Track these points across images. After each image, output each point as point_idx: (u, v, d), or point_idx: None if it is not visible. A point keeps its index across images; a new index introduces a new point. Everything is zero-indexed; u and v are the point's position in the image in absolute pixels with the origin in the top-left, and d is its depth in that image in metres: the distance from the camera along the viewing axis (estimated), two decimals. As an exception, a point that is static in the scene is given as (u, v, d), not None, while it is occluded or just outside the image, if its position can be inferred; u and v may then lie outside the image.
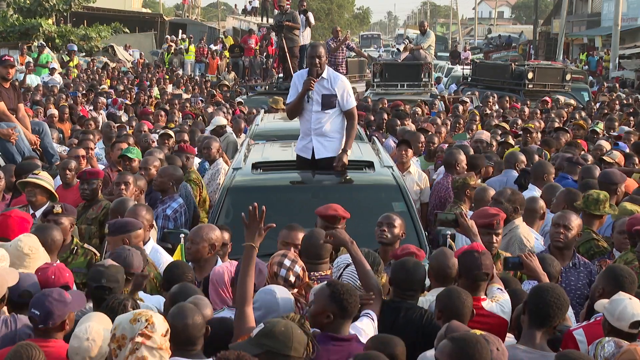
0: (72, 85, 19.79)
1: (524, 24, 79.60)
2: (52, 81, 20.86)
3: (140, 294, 4.99)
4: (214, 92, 19.81)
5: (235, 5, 62.77)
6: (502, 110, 14.77)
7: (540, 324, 4.19)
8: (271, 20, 27.24)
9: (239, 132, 12.03)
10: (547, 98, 16.20)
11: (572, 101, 17.05)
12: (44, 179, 6.97)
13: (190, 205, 7.66)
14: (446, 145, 9.91)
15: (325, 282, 4.39)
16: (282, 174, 7.28)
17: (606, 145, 9.76)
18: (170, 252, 6.09)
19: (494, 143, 10.22)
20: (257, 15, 44.23)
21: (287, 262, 4.71)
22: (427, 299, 4.76)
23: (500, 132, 11.03)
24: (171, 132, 10.29)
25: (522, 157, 8.53)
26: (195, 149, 9.57)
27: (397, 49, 19.54)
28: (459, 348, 3.55)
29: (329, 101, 7.11)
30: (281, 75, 19.94)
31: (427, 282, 4.90)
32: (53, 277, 4.65)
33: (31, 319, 4.24)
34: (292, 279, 4.68)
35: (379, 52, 37.97)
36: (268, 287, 4.52)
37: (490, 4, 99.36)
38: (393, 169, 7.29)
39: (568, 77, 18.01)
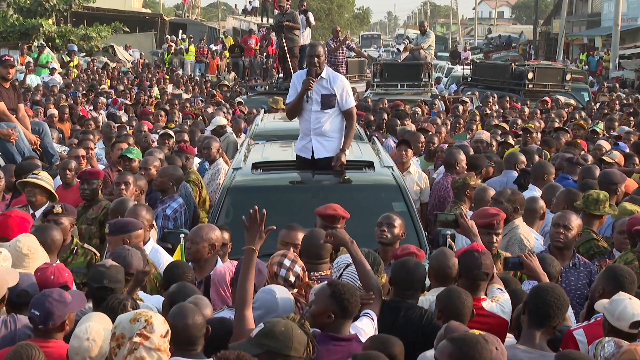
0: (72, 85, 19.77)
1: (524, 24, 79.57)
2: (52, 81, 20.86)
3: (140, 294, 5.00)
4: (214, 92, 19.80)
5: (235, 5, 62.84)
6: (502, 110, 14.76)
7: (540, 324, 4.19)
8: (271, 21, 27.23)
9: (239, 132, 12.03)
10: (547, 98, 16.18)
11: (572, 101, 17.06)
12: (44, 179, 6.97)
13: (190, 205, 7.66)
14: (446, 145, 9.91)
15: (326, 282, 4.39)
16: (282, 174, 7.28)
17: (606, 145, 9.76)
18: (170, 252, 6.10)
19: (494, 143, 10.21)
20: (257, 15, 44.22)
21: (287, 262, 4.71)
22: (427, 299, 4.76)
23: (500, 132, 11.03)
24: (171, 132, 10.29)
25: (522, 158, 8.53)
26: (195, 149, 9.58)
27: (397, 49, 19.53)
28: (458, 348, 3.55)
29: (328, 101, 7.11)
30: (281, 75, 19.94)
31: (427, 282, 4.90)
32: (52, 277, 4.65)
33: (31, 319, 4.24)
34: (292, 279, 4.68)
35: (379, 52, 37.94)
36: (268, 287, 4.52)
37: (490, 4, 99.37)
38: (393, 169, 7.29)
39: (568, 77, 18.00)
